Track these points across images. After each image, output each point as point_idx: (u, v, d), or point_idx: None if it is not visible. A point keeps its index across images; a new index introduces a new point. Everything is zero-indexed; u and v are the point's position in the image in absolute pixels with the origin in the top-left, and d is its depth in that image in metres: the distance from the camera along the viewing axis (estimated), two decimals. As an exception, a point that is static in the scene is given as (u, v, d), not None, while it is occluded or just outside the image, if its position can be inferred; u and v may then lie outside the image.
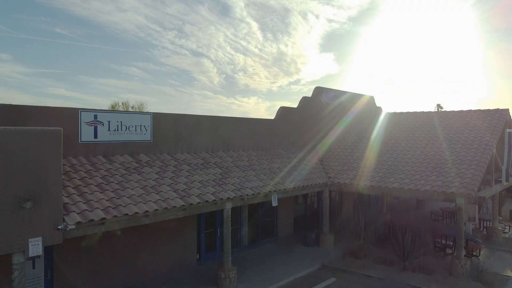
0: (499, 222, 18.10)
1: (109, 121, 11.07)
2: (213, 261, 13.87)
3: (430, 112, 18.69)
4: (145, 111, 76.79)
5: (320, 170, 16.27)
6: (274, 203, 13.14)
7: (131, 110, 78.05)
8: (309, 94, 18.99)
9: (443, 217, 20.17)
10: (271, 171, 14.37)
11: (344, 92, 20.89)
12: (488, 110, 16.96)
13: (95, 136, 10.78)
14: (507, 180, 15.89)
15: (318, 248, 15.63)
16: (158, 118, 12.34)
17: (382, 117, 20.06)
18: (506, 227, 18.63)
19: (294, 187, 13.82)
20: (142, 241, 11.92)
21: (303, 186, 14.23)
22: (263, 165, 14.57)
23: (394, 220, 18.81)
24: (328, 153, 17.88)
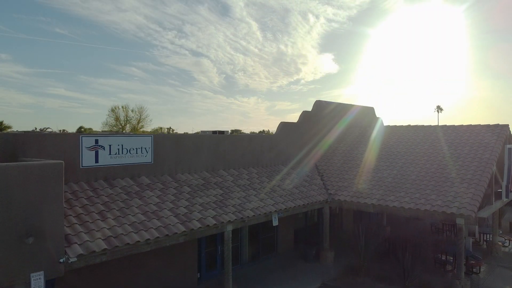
0: (499, 236, 18.13)
1: (110, 145, 11.09)
2: (214, 280, 13.90)
3: (429, 126, 18.72)
4: (145, 112, 76.10)
5: (320, 186, 16.30)
6: (275, 223, 13.17)
7: (131, 112, 78.05)
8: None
9: (443, 230, 20.21)
10: (272, 189, 14.40)
11: (344, 105, 20.91)
12: (488, 126, 16.99)
13: (96, 161, 10.81)
14: (507, 197, 15.93)
15: (319, 265, 15.66)
16: (159, 140, 12.37)
17: (382, 130, 20.08)
18: (506, 241, 18.66)
19: (295, 206, 13.85)
20: (143, 260, 11.94)
21: (303, 204, 14.26)
22: (264, 183, 14.59)
23: (394, 233, 18.87)
24: (328, 167, 17.91)
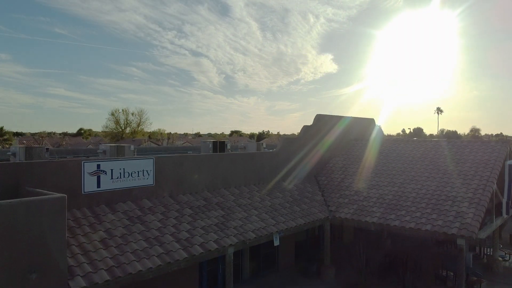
0: (499, 250, 18.16)
1: (111, 169, 11.12)
2: (215, 298, 13.93)
3: (430, 141, 18.76)
4: (145, 115, 76.10)
5: (321, 202, 16.33)
6: (276, 243, 13.19)
7: (131, 115, 77.98)
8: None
9: (444, 242, 20.23)
10: (273, 207, 14.43)
11: (345, 118, 20.95)
12: (489, 142, 17.03)
13: (98, 185, 10.84)
14: (507, 213, 15.97)
15: (320, 281, 15.67)
16: (160, 161, 12.39)
17: (382, 141, 20.12)
18: (507, 255, 18.69)
19: (296, 225, 13.88)
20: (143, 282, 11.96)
21: (305, 223, 14.29)
22: (265, 202, 14.63)
23: (395, 247, 18.90)
24: (329, 182, 17.94)
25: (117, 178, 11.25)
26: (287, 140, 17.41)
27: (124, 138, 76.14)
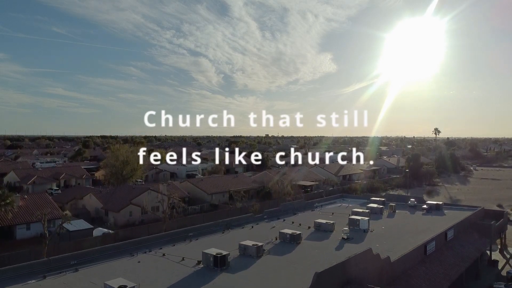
0: None
1: None
2: None
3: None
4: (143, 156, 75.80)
5: None
6: None
7: (131, 153, 77.76)
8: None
9: None
10: None
11: (344, 261, 21.37)
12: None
13: None
14: None
15: None
16: None
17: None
18: None
19: None
20: None
21: None
22: None
23: None
24: None
25: None
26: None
27: (124, 176, 76.33)
